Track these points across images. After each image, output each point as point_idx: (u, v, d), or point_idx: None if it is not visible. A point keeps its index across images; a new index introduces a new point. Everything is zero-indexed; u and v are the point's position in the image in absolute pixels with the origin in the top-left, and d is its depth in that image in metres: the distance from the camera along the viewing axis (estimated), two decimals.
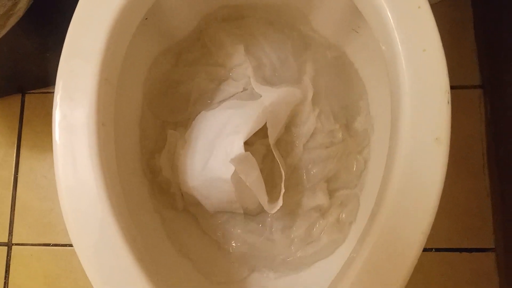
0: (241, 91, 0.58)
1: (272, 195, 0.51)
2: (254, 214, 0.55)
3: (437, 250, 0.68)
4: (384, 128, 0.51)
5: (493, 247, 0.67)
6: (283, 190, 0.49)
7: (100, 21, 0.41)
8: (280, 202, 0.49)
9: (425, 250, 0.66)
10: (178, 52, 0.60)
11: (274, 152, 0.51)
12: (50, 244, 0.75)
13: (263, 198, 0.49)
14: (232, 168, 0.48)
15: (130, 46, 0.46)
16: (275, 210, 0.49)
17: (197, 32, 0.60)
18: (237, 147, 0.48)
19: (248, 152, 0.49)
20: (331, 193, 0.55)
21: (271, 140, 0.51)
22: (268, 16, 0.60)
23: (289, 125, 0.55)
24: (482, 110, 0.71)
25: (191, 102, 0.58)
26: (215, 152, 0.51)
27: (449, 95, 0.37)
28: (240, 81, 0.58)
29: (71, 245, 0.57)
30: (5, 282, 0.75)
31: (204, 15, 0.59)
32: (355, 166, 0.55)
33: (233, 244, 0.55)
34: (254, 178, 0.48)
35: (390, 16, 0.39)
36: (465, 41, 0.74)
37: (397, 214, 0.35)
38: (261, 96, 0.53)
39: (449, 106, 0.37)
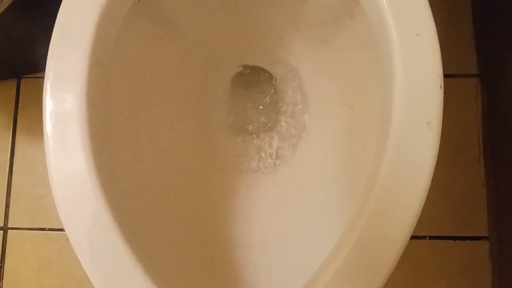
0: None
1: None
2: None
3: (431, 238, 0.68)
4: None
5: (487, 235, 0.67)
6: None
7: (91, 1, 0.41)
8: None
9: (419, 237, 0.68)
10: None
11: None
12: (45, 228, 0.76)
13: None
14: None
15: (126, 28, 0.45)
16: None
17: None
18: None
19: None
20: None
21: None
22: None
23: None
24: (478, 99, 0.71)
25: None
26: None
27: (442, 80, 0.37)
28: None
29: None
30: (0, 266, 0.76)
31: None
32: None
33: None
34: None
35: (384, 0, 0.38)
36: (463, 30, 0.73)
37: (387, 198, 0.35)
38: None
39: (442, 91, 0.36)
